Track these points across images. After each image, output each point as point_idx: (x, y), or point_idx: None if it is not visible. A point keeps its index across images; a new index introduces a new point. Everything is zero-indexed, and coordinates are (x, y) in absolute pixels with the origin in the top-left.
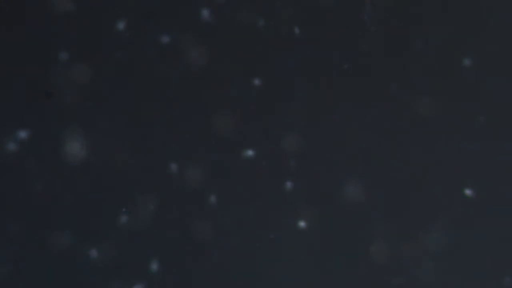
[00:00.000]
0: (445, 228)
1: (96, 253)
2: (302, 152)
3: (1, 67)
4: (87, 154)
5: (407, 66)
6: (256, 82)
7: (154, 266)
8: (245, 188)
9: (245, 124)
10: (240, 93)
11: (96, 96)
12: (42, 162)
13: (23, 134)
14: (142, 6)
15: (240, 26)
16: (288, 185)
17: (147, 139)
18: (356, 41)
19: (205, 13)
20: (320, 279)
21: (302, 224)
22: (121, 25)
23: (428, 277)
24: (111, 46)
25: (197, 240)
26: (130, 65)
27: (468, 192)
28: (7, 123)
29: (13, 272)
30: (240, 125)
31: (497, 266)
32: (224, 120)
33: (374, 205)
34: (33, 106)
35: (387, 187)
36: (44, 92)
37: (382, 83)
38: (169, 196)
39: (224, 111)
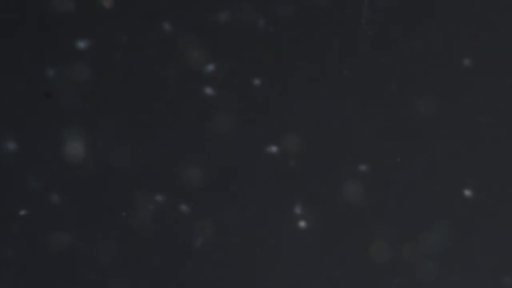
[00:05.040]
0: (445, 228)
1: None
2: (302, 152)
3: (1, 67)
4: (87, 154)
5: (407, 66)
6: (256, 82)
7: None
8: (245, 188)
9: (245, 124)
10: (240, 93)
11: (96, 96)
12: (42, 162)
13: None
14: (142, 6)
15: (240, 26)
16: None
17: (147, 139)
18: (356, 41)
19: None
20: (320, 279)
21: (302, 224)
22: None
23: (428, 277)
24: (112, 46)
25: (197, 240)
26: (130, 65)
27: (468, 192)
28: (7, 123)
29: (13, 272)
30: (240, 125)
31: (497, 266)
32: (224, 120)
33: (374, 205)
34: (33, 106)
35: (387, 187)
36: (44, 92)
37: (382, 83)
38: (169, 196)
39: (224, 111)
